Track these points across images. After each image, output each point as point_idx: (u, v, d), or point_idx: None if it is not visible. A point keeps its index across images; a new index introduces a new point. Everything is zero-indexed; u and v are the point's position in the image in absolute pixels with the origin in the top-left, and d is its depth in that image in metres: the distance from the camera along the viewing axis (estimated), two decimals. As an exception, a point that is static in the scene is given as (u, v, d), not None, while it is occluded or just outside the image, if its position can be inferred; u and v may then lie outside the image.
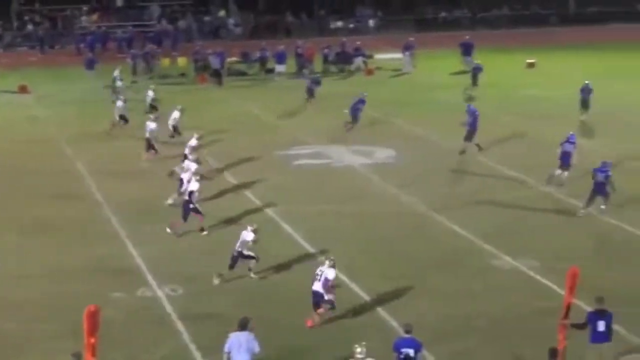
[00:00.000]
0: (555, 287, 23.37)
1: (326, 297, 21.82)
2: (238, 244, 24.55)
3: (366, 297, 23.50)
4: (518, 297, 23.63)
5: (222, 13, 76.09)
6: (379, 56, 61.29)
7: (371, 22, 76.45)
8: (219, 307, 23.02)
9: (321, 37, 68.85)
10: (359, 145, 38.92)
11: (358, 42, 61.05)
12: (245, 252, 24.56)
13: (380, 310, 22.77)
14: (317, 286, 21.85)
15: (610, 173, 29.50)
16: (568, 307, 19.48)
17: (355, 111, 40.79)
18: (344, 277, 24.15)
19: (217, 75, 55.01)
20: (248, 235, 24.52)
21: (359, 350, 17.49)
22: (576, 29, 75.68)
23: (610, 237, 28.06)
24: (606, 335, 18.86)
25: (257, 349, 18.33)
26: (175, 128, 38.75)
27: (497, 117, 42.06)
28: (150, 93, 44.90)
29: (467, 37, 60.05)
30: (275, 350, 19.86)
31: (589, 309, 19.63)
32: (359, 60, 59.26)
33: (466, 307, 22.98)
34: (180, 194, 29.34)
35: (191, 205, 28.10)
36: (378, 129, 41.03)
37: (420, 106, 40.29)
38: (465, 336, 21.50)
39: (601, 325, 18.80)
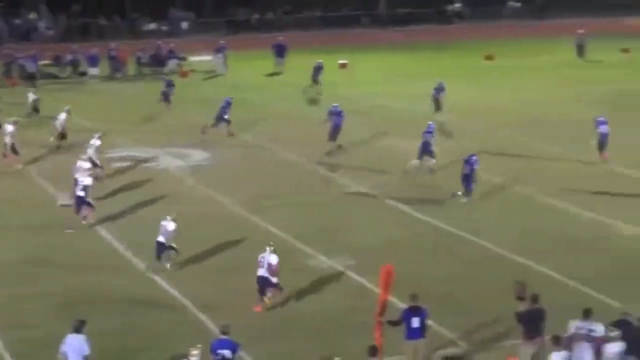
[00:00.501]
0: (370, 285, 23.52)
1: (273, 281, 22.52)
2: (160, 234, 24.88)
3: (183, 300, 23.27)
4: (335, 296, 23.75)
5: (33, 15, 74.05)
6: (193, 58, 60.79)
7: (184, 25, 75.75)
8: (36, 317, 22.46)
9: (135, 39, 67.84)
10: (175, 148, 38.53)
11: (172, 45, 60.46)
12: (168, 243, 25.00)
13: (197, 312, 22.57)
14: (262, 272, 22.52)
15: (475, 166, 30.60)
16: (383, 305, 19.64)
17: (221, 114, 40.28)
18: (158, 279, 23.91)
19: (31, 78, 53.65)
20: (169, 225, 24.92)
21: (194, 352, 17.38)
22: (387, 29, 76.97)
23: (425, 233, 28.46)
24: (420, 332, 19.06)
25: (87, 351, 18.16)
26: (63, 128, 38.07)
27: (313, 116, 42.13)
28: (31, 95, 44.10)
29: (281, 38, 60.23)
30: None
31: (404, 305, 19.81)
32: (173, 63, 58.70)
33: (283, 307, 22.93)
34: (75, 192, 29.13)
35: (86, 199, 28.57)
36: (194, 132, 40.54)
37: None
38: (283, 336, 21.46)
39: (415, 322, 18.99)
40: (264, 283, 22.66)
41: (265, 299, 22.74)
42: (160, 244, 25.02)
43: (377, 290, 20.27)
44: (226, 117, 40.25)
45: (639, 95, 48.13)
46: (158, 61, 58.72)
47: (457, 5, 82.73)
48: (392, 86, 51.39)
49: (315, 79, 51.52)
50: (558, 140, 38.26)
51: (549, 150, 37.08)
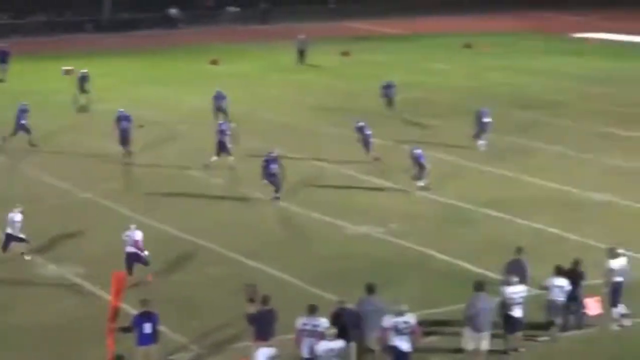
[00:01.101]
0: (101, 292, 23.28)
1: (142, 254, 24.36)
2: (7, 227, 25.70)
3: None
4: (66, 305, 23.38)
5: None
6: None
7: None
8: None
9: None
10: None
11: None
12: (16, 234, 25.77)
13: None
14: (130, 248, 24.27)
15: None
16: (115, 311, 19.53)
17: (18, 121, 38.64)
18: None
19: None
20: (16, 216, 25.75)
21: None
22: (112, 35, 76.22)
23: (158, 239, 28.40)
24: (152, 337, 19.05)
25: None
26: None
27: (38, 124, 41.07)
28: None
29: (3, 44, 58.39)
30: None
31: (135, 311, 19.77)
32: None
33: (9, 317, 22.47)
34: None
35: None
36: None
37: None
38: (11, 348, 20.91)
39: (147, 328, 18.98)
40: (134, 259, 24.28)
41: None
42: (7, 236, 25.91)
43: (109, 297, 20.12)
44: (23, 123, 38.75)
45: (356, 95, 49.70)
46: None
47: (173, 10, 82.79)
48: (118, 92, 50.84)
49: (82, 89, 49.97)
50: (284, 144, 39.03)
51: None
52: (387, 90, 45.13)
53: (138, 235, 24.46)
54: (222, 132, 35.53)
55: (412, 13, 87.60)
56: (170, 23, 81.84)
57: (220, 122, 37.54)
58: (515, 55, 64.53)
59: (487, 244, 27.32)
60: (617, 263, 21.84)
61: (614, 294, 21.80)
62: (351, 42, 69.84)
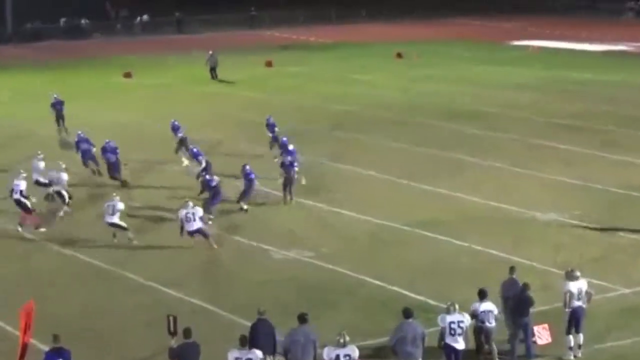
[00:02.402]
0: (9, 327, 22.58)
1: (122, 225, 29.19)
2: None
3: None
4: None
5: None
6: None
7: None
8: None
9: None
10: None
11: None
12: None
13: None
14: (110, 218, 29.19)
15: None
16: (24, 348, 18.94)
17: None
18: None
19: None
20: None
21: None
22: (16, 46, 75.29)
23: (64, 267, 27.77)
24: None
25: None
26: None
27: None
28: None
29: None
30: None
31: (46, 347, 19.14)
32: None
33: None
34: None
35: None
36: None
37: None
38: None
39: (58, 365, 18.37)
40: (115, 226, 29.05)
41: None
42: None
43: (17, 332, 19.49)
44: None
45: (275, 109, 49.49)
46: None
47: (83, 21, 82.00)
48: (16, 107, 49.95)
49: None
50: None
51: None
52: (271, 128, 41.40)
53: (120, 205, 29.24)
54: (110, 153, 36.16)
55: (338, 21, 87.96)
56: (80, 34, 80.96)
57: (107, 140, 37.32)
58: (446, 65, 64.89)
59: (423, 268, 27.07)
60: (576, 286, 21.25)
61: (572, 320, 21.20)
62: (275, 51, 69.59)
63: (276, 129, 39.75)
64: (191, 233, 28.61)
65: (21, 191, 31.19)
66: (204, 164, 35.07)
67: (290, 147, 35.78)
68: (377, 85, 57.47)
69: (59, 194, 32.31)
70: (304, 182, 34.66)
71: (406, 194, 34.70)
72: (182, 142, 38.68)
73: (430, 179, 36.06)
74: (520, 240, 29.34)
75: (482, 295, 20.86)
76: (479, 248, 28.59)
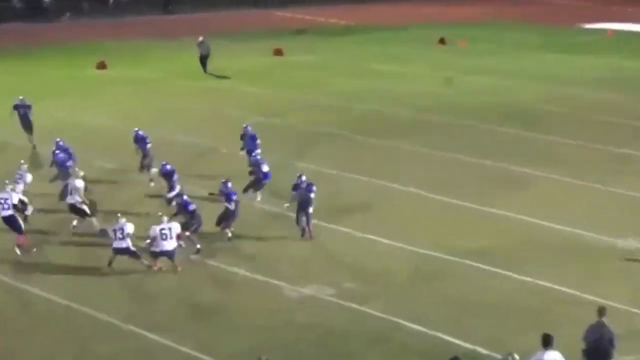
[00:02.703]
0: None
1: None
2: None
3: None
4: None
5: None
6: None
7: None
8: None
9: None
10: None
11: None
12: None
13: None
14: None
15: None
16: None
17: None
18: None
19: None
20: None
21: None
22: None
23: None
24: None
25: None
26: None
27: None
28: None
29: None
30: None
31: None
32: None
33: None
34: None
35: None
36: None
37: None
38: None
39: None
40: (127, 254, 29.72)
41: None
42: None
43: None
44: None
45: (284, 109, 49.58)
46: None
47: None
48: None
49: None
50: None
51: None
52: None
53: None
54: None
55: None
56: (43, 15, 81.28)
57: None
58: (501, 53, 64.99)
59: (473, 308, 26.98)
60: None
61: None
62: (286, 37, 69.75)
63: (258, 141, 38.80)
64: (158, 254, 29.36)
65: (14, 205, 31.74)
66: (177, 189, 34.56)
67: (265, 168, 35.75)
68: (413, 79, 57.59)
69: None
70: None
71: (452, 215, 34.69)
72: (147, 157, 38.39)
73: (482, 196, 36.04)
74: (595, 273, 29.32)
75: (547, 342, 20.78)
76: (543, 283, 28.56)
